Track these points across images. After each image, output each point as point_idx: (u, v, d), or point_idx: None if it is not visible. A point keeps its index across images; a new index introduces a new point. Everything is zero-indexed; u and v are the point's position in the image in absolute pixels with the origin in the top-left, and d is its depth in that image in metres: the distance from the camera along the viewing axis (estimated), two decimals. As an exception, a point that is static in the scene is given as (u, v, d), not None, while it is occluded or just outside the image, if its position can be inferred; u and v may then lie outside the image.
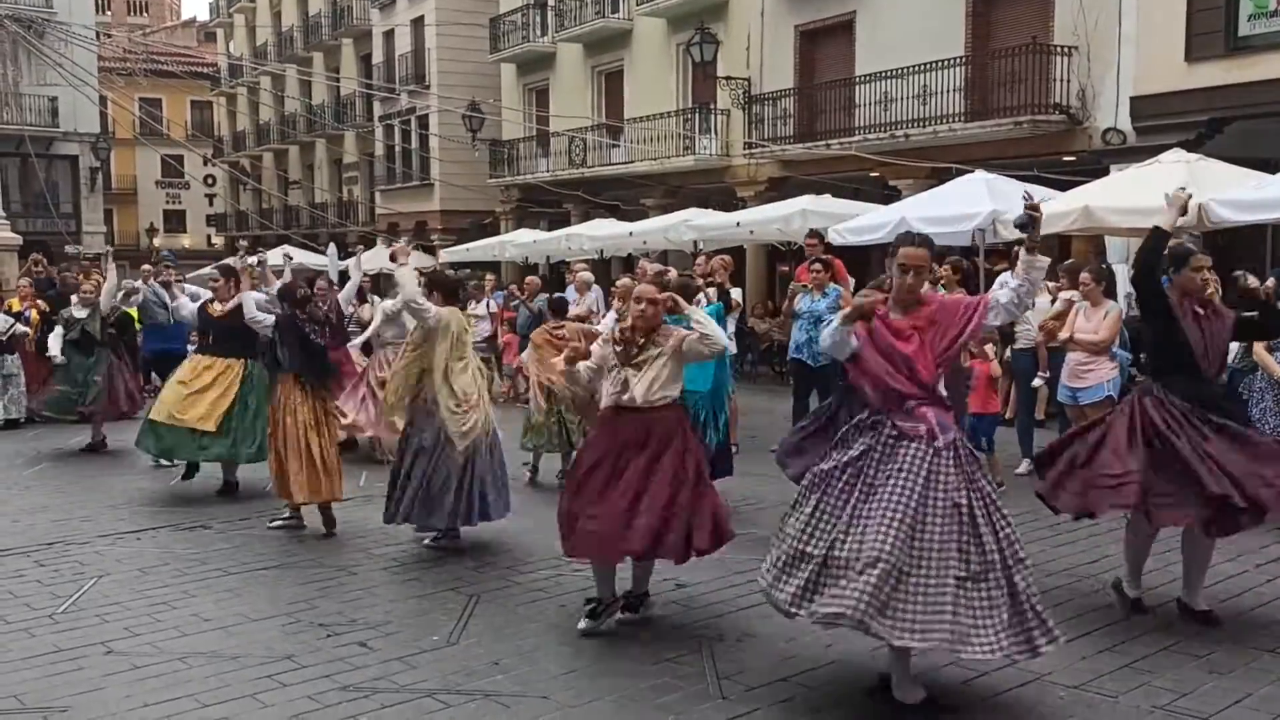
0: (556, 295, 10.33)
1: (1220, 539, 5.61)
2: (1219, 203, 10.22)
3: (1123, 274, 12.73)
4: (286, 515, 7.87)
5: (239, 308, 8.64)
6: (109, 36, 39.26)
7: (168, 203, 54.39)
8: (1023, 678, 4.85)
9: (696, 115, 23.13)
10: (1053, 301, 9.74)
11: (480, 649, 5.35)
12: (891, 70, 18.24)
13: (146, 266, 13.44)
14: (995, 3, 17.84)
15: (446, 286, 7.21)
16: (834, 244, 13.50)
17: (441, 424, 6.78)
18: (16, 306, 13.38)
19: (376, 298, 16.36)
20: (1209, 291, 6.00)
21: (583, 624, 5.52)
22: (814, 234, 12.15)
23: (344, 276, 14.06)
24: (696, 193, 22.75)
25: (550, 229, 26.74)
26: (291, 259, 11.23)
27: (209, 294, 9.33)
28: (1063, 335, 8.92)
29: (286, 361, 7.74)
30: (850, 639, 5.39)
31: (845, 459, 4.56)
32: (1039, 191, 13.76)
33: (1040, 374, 9.86)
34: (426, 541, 7.27)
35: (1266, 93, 13.48)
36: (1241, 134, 13.92)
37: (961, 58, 17.52)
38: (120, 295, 11.69)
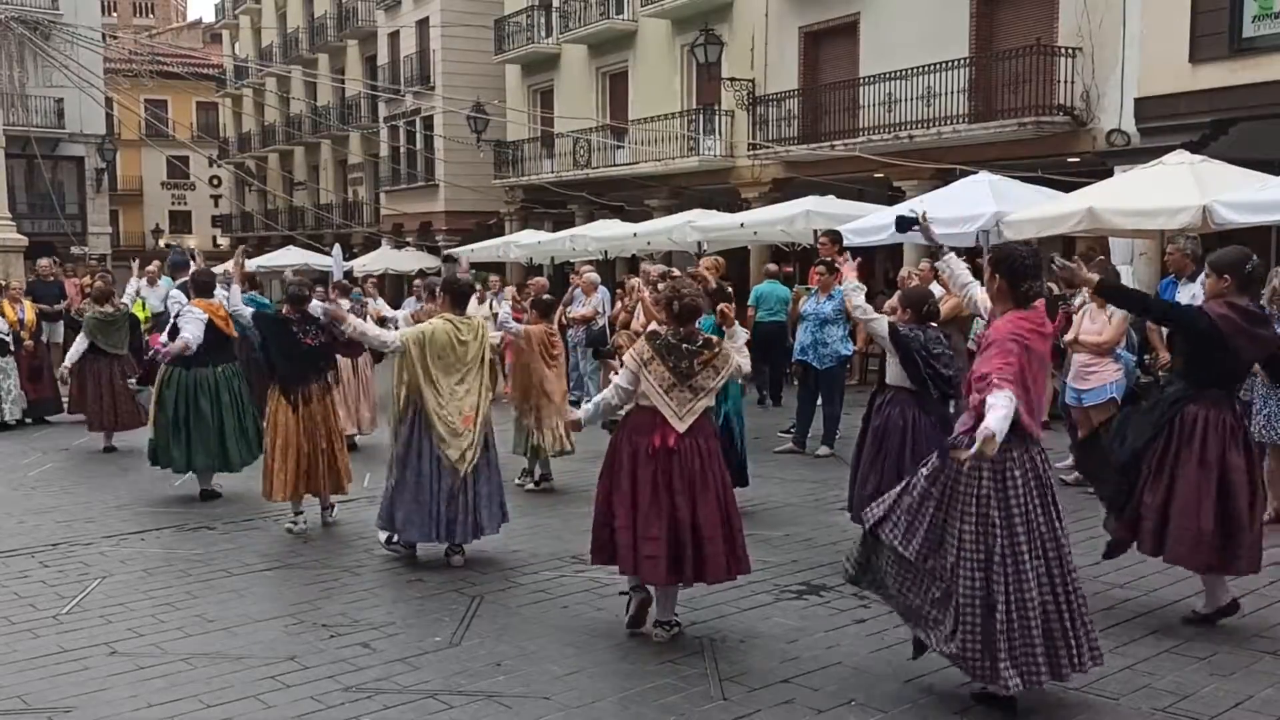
0: (545, 296, 10.15)
1: None
2: (1223, 204, 10.20)
3: (1126, 275, 12.76)
4: (294, 518, 7.89)
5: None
6: (115, 38, 39.36)
7: (173, 204, 54.53)
8: (1024, 679, 4.85)
9: (701, 116, 23.14)
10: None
11: (483, 650, 5.37)
12: (896, 71, 18.24)
13: (153, 266, 13.49)
14: (999, 4, 17.83)
15: (454, 291, 7.03)
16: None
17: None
18: (10, 313, 13.35)
19: (381, 299, 16.37)
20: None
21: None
22: (829, 234, 12.15)
23: (349, 277, 14.10)
24: (701, 194, 22.77)
25: (555, 230, 26.75)
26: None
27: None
28: (1068, 337, 8.90)
29: (277, 365, 7.77)
30: (852, 641, 5.41)
31: None
32: (1043, 192, 13.81)
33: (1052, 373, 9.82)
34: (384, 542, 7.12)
35: (1270, 94, 13.46)
36: (1245, 135, 13.90)
37: (966, 59, 17.51)
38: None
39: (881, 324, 6.27)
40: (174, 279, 9.63)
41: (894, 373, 6.49)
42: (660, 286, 10.67)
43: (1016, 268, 4.56)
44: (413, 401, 6.73)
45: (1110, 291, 5.64)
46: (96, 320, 11.58)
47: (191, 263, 11.47)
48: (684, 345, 5.33)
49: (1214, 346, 5.30)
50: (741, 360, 5.52)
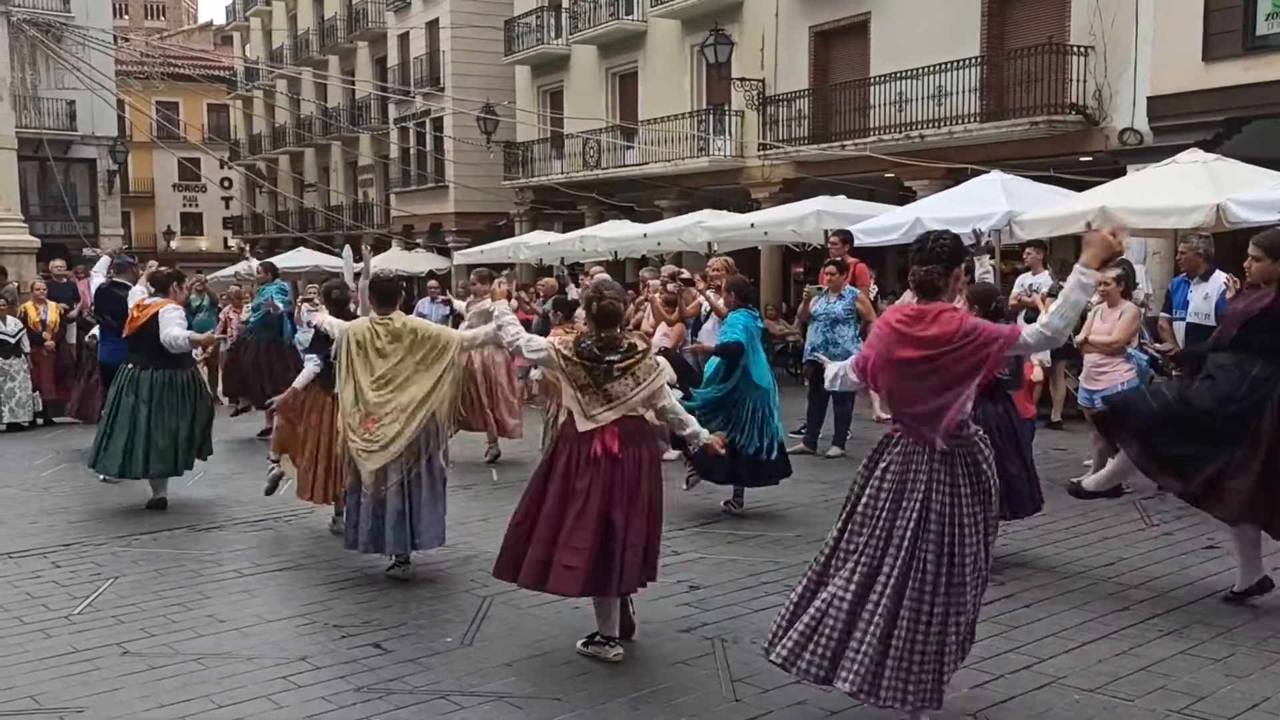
0: (562, 298, 10.19)
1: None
2: (1237, 203, 10.15)
3: (1140, 275, 12.71)
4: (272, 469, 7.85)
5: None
6: (126, 40, 39.49)
7: (185, 205, 54.74)
8: (1038, 681, 4.83)
9: (711, 116, 23.13)
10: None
11: (494, 650, 5.35)
12: (906, 71, 18.20)
13: (152, 263, 13.58)
14: (1011, 3, 17.79)
15: (379, 290, 6.67)
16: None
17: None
18: (34, 313, 13.50)
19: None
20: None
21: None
22: (839, 234, 12.14)
23: (358, 279, 14.04)
24: (711, 194, 22.76)
25: (564, 231, 26.77)
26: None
27: None
28: (1079, 338, 8.85)
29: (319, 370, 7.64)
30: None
31: None
32: (1056, 192, 13.77)
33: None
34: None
35: (1284, 92, 13.41)
36: (1259, 133, 13.84)
37: (977, 58, 17.47)
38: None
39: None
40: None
41: None
42: (670, 287, 10.70)
43: (912, 255, 4.36)
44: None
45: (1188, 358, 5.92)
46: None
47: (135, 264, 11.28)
48: (605, 356, 5.06)
49: None
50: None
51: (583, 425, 5.06)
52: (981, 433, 4.41)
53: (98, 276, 10.62)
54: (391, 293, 6.63)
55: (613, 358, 5.07)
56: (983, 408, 6.22)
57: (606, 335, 5.14)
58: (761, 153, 21.59)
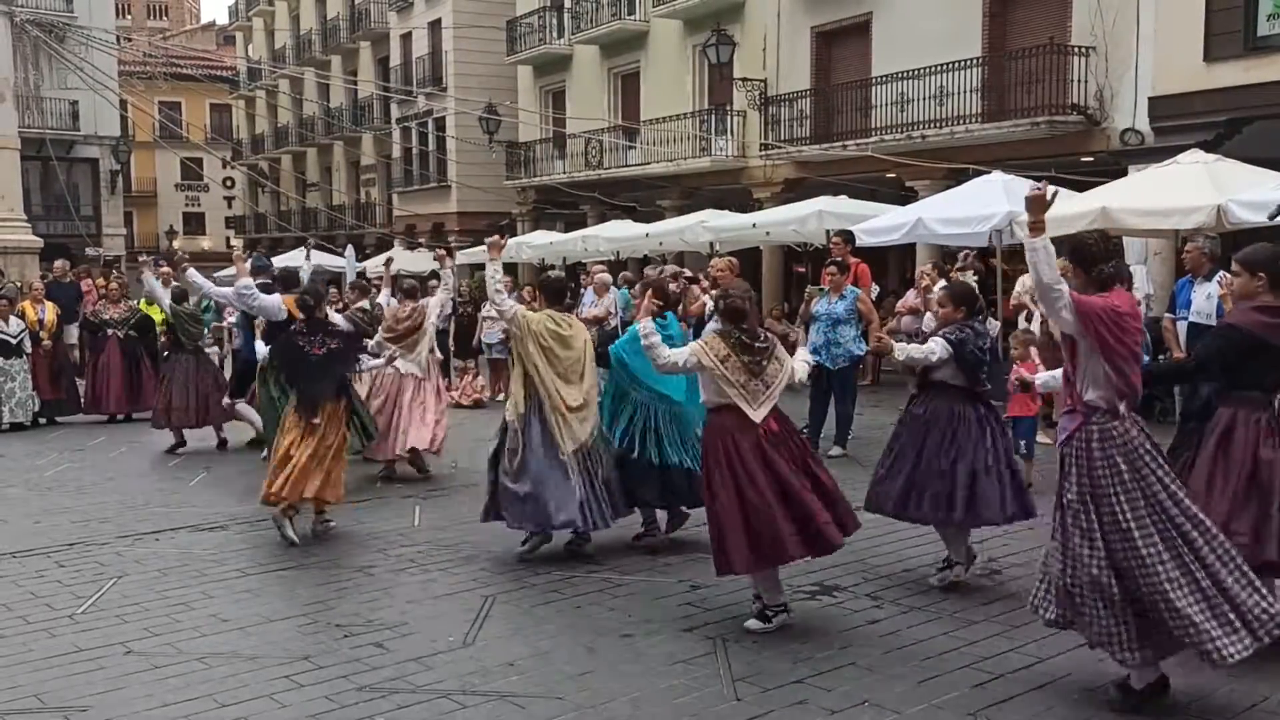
0: (546, 278, 9.97)
1: None
2: (1238, 204, 10.15)
3: (1140, 275, 12.72)
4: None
5: None
6: (129, 40, 39.53)
7: (187, 205, 54.78)
8: (1038, 680, 4.84)
9: (713, 116, 23.15)
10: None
11: (496, 650, 5.37)
12: (908, 71, 18.21)
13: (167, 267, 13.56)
14: (1012, 3, 17.80)
15: (549, 289, 7.19)
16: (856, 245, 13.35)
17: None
18: (31, 313, 13.54)
19: (393, 299, 16.39)
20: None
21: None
22: (841, 235, 12.14)
23: (361, 278, 14.12)
24: (713, 194, 22.77)
25: (566, 230, 26.79)
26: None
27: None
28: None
29: (291, 382, 7.66)
30: (865, 641, 5.40)
31: None
32: (1058, 192, 13.77)
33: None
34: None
35: (1285, 93, 13.41)
36: (1260, 134, 13.84)
37: (979, 58, 17.47)
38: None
39: (936, 350, 6.13)
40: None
41: (946, 372, 6.28)
42: (672, 287, 10.69)
43: (1084, 254, 4.60)
44: (533, 386, 6.80)
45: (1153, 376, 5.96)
46: (185, 314, 11.52)
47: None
48: (755, 344, 5.53)
49: (1255, 353, 5.16)
50: (798, 366, 5.75)
51: (756, 416, 5.46)
52: None
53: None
54: (561, 291, 7.28)
55: (762, 344, 5.53)
56: (958, 408, 6.22)
57: (747, 327, 5.53)
58: (763, 153, 21.60)
